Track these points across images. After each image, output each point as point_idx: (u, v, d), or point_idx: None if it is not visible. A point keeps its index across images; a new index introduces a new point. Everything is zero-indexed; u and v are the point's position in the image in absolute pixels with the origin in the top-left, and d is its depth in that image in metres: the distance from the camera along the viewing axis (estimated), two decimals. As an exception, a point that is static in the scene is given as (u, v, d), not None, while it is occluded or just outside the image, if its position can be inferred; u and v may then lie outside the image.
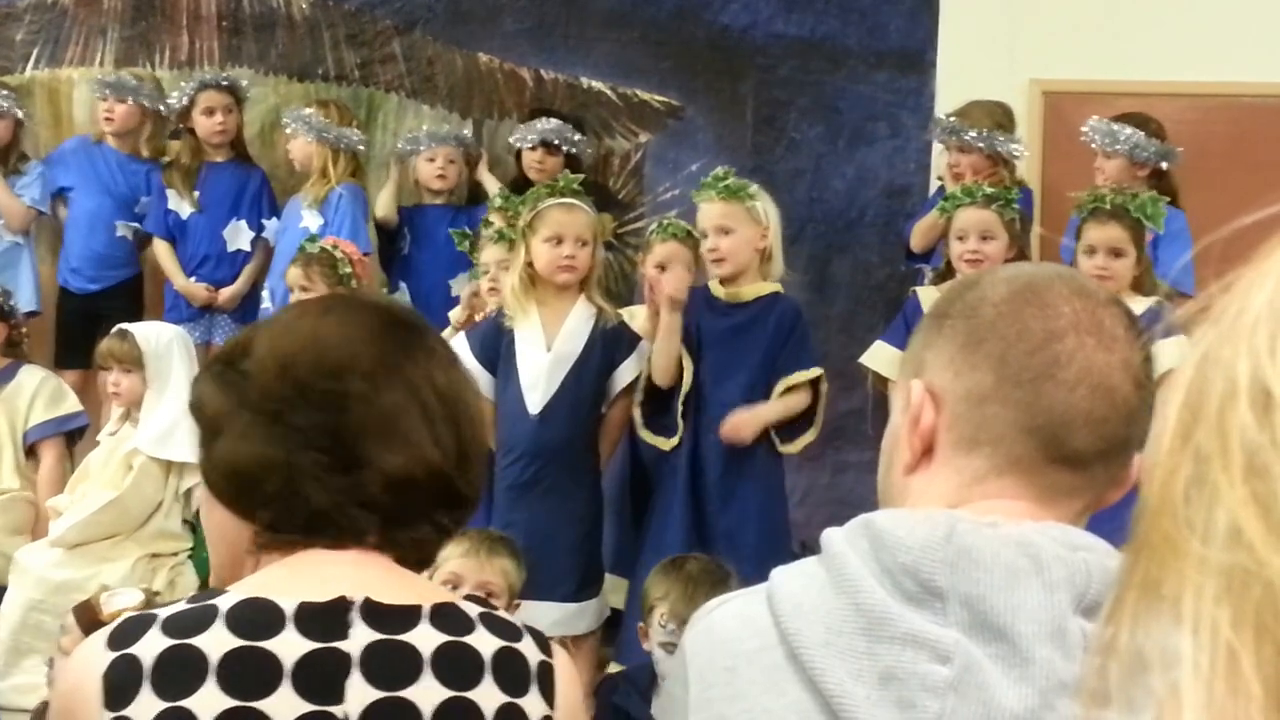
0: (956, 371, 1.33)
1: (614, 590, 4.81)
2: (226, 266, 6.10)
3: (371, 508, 1.55)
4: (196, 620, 1.49)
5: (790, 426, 4.77)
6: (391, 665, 1.50)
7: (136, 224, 6.16)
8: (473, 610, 1.57)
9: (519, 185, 5.68)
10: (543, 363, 4.70)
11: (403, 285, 6.02)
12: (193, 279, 6.05)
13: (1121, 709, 0.54)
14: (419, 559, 1.62)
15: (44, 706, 2.75)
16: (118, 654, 1.48)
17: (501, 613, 1.64)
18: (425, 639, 1.52)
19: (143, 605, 2.43)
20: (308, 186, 5.94)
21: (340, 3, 6.40)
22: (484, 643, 1.54)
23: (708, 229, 4.82)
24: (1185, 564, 0.52)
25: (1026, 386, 1.31)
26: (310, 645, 1.49)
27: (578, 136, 6.02)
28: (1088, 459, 1.32)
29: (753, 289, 4.81)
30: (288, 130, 6.05)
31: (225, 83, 6.13)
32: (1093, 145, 5.45)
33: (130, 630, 1.50)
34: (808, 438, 4.80)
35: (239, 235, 6.12)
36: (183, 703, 1.45)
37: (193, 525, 4.92)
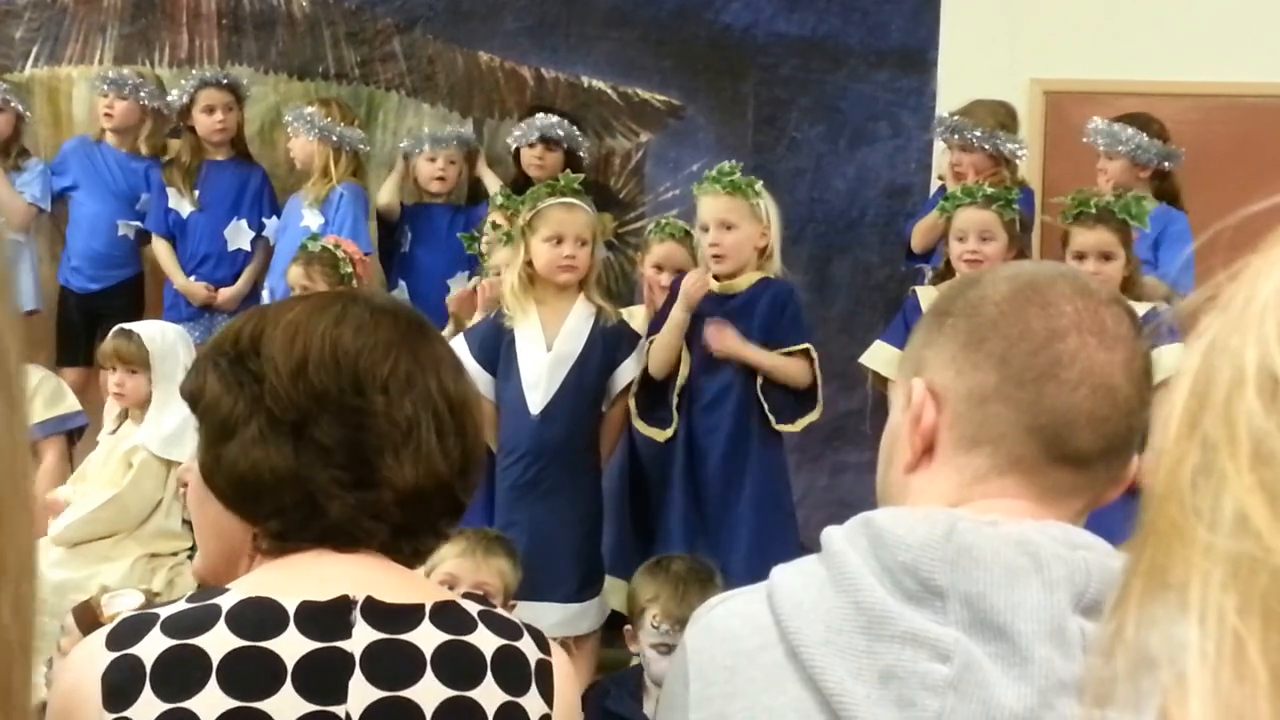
0: (958, 370, 1.33)
1: (613, 592, 4.80)
2: (227, 265, 6.09)
3: (383, 519, 1.55)
4: (198, 620, 1.48)
5: (791, 407, 4.76)
6: (393, 665, 1.49)
7: (138, 222, 6.15)
8: (473, 608, 1.57)
9: (519, 185, 5.66)
10: (543, 362, 4.69)
11: (402, 283, 6.01)
12: (192, 278, 6.04)
13: (1126, 703, 0.54)
14: (414, 557, 1.62)
15: (43, 707, 2.75)
16: (118, 654, 1.46)
17: (501, 611, 1.63)
18: (427, 638, 1.52)
19: (143, 608, 2.42)
20: (309, 185, 5.93)
21: (340, 1, 6.40)
22: (485, 641, 1.54)
23: (709, 222, 4.75)
24: (1192, 551, 0.52)
25: (1029, 386, 1.30)
26: (312, 645, 1.48)
27: (576, 131, 5.99)
28: (1089, 458, 1.31)
29: (746, 278, 4.77)
30: (290, 129, 6.04)
31: (225, 81, 6.12)
32: (1095, 147, 5.45)
33: (130, 630, 1.48)
34: (811, 417, 4.77)
35: (239, 234, 6.11)
36: (184, 704, 1.44)
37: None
